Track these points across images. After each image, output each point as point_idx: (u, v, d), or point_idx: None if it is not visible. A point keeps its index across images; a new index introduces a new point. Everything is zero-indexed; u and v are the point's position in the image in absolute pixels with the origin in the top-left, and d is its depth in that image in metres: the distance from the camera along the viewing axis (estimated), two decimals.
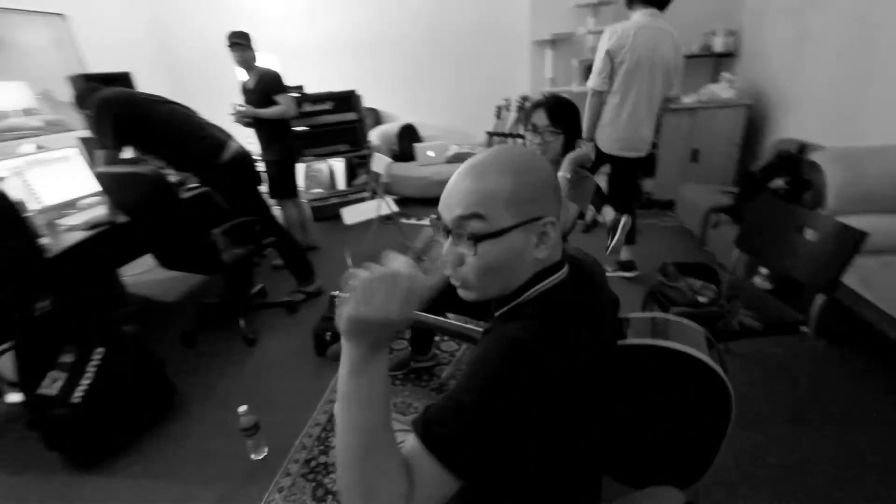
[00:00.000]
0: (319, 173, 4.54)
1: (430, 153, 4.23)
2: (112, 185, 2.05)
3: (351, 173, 4.41)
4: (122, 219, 2.10)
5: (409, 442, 0.53)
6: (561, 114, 1.56)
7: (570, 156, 1.41)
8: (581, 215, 1.52)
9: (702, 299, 1.56)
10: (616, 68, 2.33)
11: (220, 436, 1.72)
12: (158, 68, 4.81)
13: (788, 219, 1.65)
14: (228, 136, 2.44)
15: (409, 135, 4.55)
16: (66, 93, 2.47)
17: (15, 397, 1.86)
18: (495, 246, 0.60)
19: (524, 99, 3.73)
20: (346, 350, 0.53)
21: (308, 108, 3.56)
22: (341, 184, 4.47)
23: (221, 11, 4.62)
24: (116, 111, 2.10)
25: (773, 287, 2.22)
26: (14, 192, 2.05)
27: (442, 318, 0.81)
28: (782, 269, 1.74)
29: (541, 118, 1.54)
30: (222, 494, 1.50)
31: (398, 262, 0.54)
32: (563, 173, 1.40)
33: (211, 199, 2.50)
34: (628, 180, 2.68)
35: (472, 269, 0.62)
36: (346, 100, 3.60)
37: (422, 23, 4.39)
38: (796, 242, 1.60)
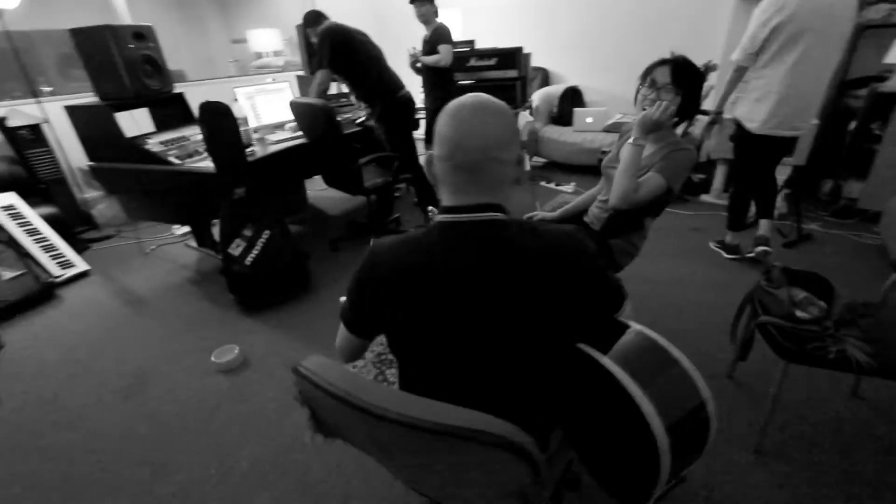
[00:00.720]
0: None
1: (589, 119, 4.06)
2: (297, 112, 2.64)
3: None
4: (299, 141, 2.71)
5: None
6: (685, 74, 1.43)
7: (638, 119, 1.33)
8: (670, 191, 1.40)
9: (800, 314, 1.33)
10: (772, 39, 2.04)
11: (332, 318, 2.21)
12: (367, 17, 5.57)
13: None
14: (402, 84, 2.89)
15: (572, 98, 4.41)
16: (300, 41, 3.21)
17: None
18: None
19: (706, 68, 3.24)
20: None
21: (474, 62, 3.76)
22: None
23: None
24: (333, 38, 2.65)
25: None
26: (242, 111, 2.82)
27: None
28: None
29: (662, 75, 1.45)
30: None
31: None
32: (632, 141, 1.33)
33: (370, 134, 3.00)
34: (772, 164, 2.36)
35: None
36: (511, 57, 3.67)
37: None
38: None
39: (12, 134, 3.07)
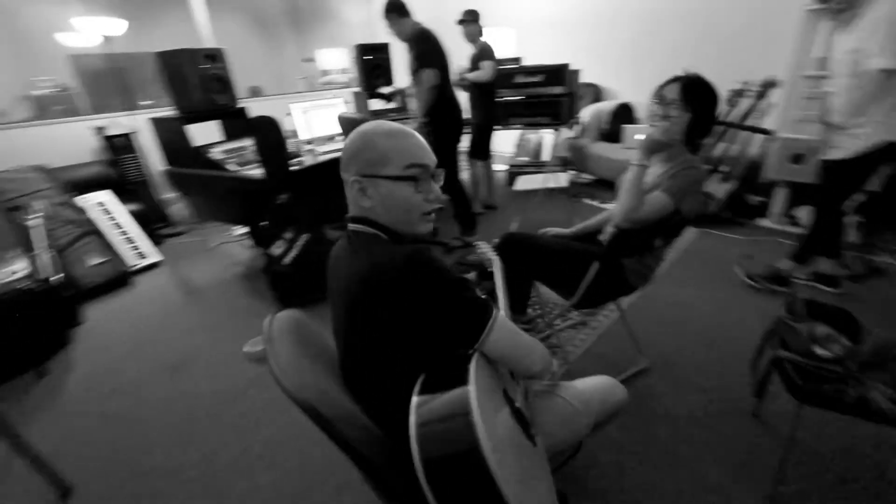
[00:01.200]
0: (529, 143, 4.82)
1: (638, 136, 3.94)
2: (344, 127, 2.83)
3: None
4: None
5: None
6: (695, 92, 1.40)
7: (643, 142, 1.30)
8: (677, 212, 1.36)
9: (820, 351, 1.24)
10: None
11: None
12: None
13: None
14: (461, 107, 3.05)
15: (624, 115, 4.30)
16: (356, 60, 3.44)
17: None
18: None
19: (767, 84, 3.03)
20: None
21: (521, 79, 3.80)
22: (546, 155, 4.65)
23: None
24: (431, 41, 2.76)
25: None
26: (294, 124, 3.06)
27: None
28: None
29: (672, 91, 1.43)
30: None
31: None
32: (637, 161, 1.30)
33: None
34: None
35: None
36: (557, 73, 3.67)
37: None
38: None
39: (110, 141, 3.56)
